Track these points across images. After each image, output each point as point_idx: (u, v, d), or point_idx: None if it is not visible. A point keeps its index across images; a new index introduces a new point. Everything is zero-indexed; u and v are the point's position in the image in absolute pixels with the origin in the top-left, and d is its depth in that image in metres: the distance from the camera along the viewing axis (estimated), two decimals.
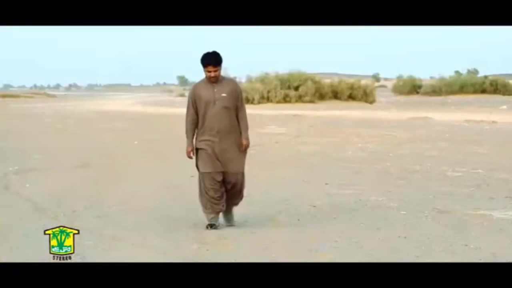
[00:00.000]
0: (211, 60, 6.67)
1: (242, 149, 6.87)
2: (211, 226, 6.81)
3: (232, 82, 7.07)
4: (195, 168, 6.93)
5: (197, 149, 6.86)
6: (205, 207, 6.86)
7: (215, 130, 6.73)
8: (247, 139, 6.91)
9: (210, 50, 6.71)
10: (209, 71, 6.68)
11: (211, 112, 6.73)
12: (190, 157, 6.89)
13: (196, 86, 6.92)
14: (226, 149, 6.75)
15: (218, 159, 6.74)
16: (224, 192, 6.85)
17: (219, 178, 6.76)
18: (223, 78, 6.90)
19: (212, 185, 6.75)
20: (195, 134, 6.89)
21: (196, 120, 6.83)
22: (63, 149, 15.33)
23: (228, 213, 7.06)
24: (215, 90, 6.75)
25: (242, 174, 6.94)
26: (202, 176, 6.81)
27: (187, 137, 6.87)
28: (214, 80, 6.73)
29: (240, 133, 6.88)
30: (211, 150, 6.73)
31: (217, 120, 6.73)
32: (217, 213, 6.89)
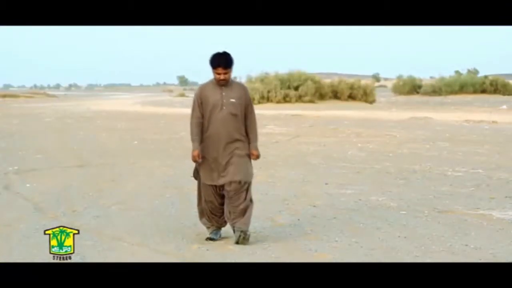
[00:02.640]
0: (222, 61, 6.18)
1: (253, 158, 6.38)
2: (211, 239, 6.42)
3: (242, 87, 6.50)
4: (195, 174, 6.51)
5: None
6: (203, 218, 6.49)
7: (220, 137, 6.25)
8: (257, 149, 6.40)
9: (221, 50, 6.22)
10: (219, 73, 6.19)
11: (217, 117, 6.24)
12: (197, 161, 6.35)
13: (203, 87, 6.40)
14: (230, 159, 6.25)
15: (220, 170, 6.26)
16: (224, 205, 6.37)
17: (220, 190, 6.34)
18: (233, 81, 6.40)
19: (212, 197, 6.36)
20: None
21: (202, 123, 6.32)
22: (63, 149, 15.34)
23: (236, 232, 6.34)
24: (224, 93, 6.27)
25: (244, 184, 6.31)
26: (203, 186, 6.41)
27: (193, 140, 6.31)
28: (223, 83, 6.24)
29: (248, 142, 6.38)
30: (214, 160, 6.27)
31: (223, 127, 6.24)
32: (218, 227, 6.49)
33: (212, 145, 6.27)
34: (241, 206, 6.28)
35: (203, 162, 6.33)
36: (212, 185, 6.33)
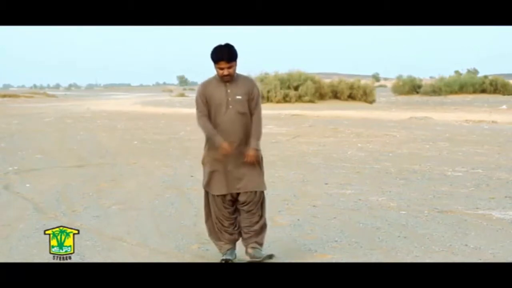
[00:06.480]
0: (224, 54, 5.46)
1: (245, 160, 5.57)
2: (226, 260, 5.69)
3: (249, 81, 5.73)
4: (206, 185, 5.79)
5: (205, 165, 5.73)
6: (213, 235, 5.83)
7: (227, 140, 5.53)
8: (254, 149, 5.59)
9: (223, 43, 5.55)
10: (221, 68, 5.48)
11: (224, 118, 5.55)
12: (228, 150, 5.53)
13: (206, 84, 5.65)
14: (241, 164, 5.58)
15: (230, 178, 5.60)
16: (237, 217, 5.78)
17: (232, 199, 5.68)
18: (238, 76, 5.65)
19: (223, 209, 5.66)
20: (204, 145, 5.74)
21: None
22: (63, 149, 15.34)
23: (250, 248, 5.76)
24: (229, 91, 5.57)
25: (260, 194, 5.75)
26: (212, 199, 5.70)
27: (214, 134, 5.54)
28: (227, 79, 5.54)
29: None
30: (222, 167, 5.59)
31: (230, 129, 5.55)
32: (232, 243, 5.80)
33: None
34: (256, 227, 5.76)
35: (211, 173, 5.65)
36: (221, 196, 5.64)
